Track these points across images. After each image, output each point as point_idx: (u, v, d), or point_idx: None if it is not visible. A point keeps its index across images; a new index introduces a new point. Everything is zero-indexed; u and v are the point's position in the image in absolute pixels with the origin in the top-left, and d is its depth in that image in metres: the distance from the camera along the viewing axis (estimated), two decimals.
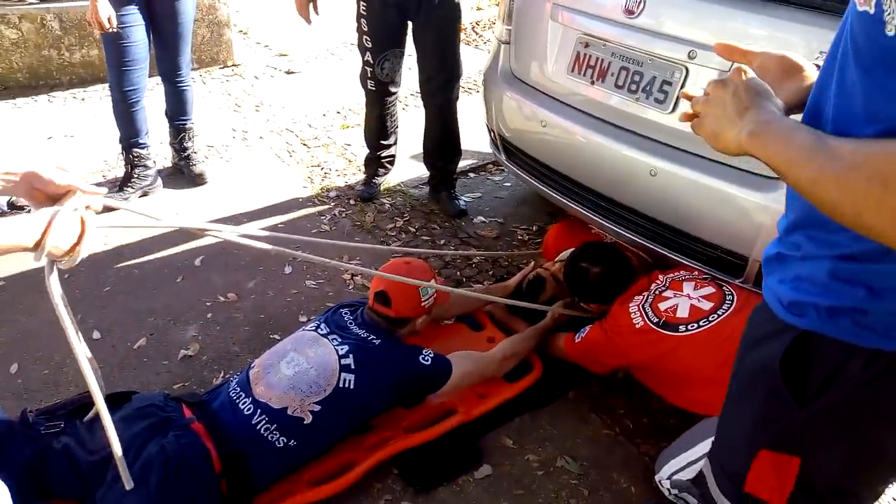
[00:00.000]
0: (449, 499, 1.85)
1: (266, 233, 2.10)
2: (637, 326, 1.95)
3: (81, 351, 1.39)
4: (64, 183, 1.27)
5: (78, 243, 1.24)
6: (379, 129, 3.33)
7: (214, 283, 2.76)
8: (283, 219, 3.25)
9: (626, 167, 2.20)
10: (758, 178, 1.90)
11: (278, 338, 2.43)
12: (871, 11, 0.68)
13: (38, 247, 1.18)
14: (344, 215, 3.30)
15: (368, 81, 3.14)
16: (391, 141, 3.40)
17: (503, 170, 3.80)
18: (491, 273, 2.85)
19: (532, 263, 2.62)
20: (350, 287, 2.75)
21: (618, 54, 2.20)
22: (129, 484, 1.52)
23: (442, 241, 3.08)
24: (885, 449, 0.96)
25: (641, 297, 2.03)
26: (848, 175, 0.70)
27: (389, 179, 3.56)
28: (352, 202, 3.42)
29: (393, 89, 3.20)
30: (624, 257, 2.23)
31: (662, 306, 1.95)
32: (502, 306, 2.45)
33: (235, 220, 3.20)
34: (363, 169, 3.55)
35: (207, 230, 1.73)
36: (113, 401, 1.84)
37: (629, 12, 2.13)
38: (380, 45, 3.01)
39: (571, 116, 2.38)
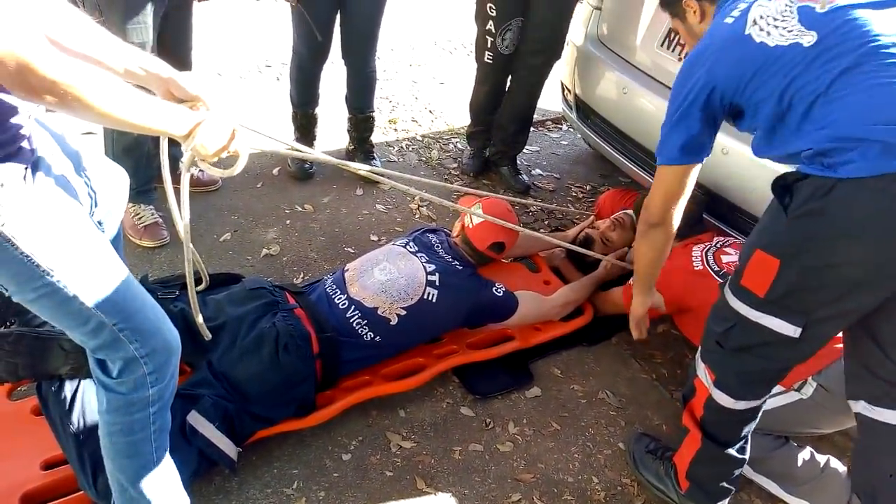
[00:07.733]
0: (502, 410, 2.09)
1: (389, 171, 2.25)
2: (696, 269, 2.11)
3: (187, 235, 1.52)
4: (194, 92, 1.30)
5: (223, 150, 1.25)
6: (489, 103, 3.15)
7: (292, 193, 2.96)
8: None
9: None
10: None
11: (352, 251, 2.65)
12: None
13: (188, 137, 1.19)
14: (410, 149, 3.48)
15: (486, 53, 2.91)
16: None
17: (560, 128, 3.98)
18: (546, 223, 3.06)
19: (592, 217, 2.80)
20: (416, 216, 2.96)
21: None
22: (207, 336, 1.73)
23: (501, 189, 3.26)
24: (831, 268, 1.30)
25: (703, 246, 2.20)
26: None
27: (454, 122, 3.73)
28: (418, 137, 3.59)
29: (508, 64, 2.96)
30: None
31: (724, 259, 2.13)
32: (560, 254, 2.67)
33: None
34: (466, 143, 3.39)
35: (340, 164, 2.02)
36: (225, 280, 2.08)
37: None
38: (504, 12, 2.78)
39: (654, 88, 2.54)
